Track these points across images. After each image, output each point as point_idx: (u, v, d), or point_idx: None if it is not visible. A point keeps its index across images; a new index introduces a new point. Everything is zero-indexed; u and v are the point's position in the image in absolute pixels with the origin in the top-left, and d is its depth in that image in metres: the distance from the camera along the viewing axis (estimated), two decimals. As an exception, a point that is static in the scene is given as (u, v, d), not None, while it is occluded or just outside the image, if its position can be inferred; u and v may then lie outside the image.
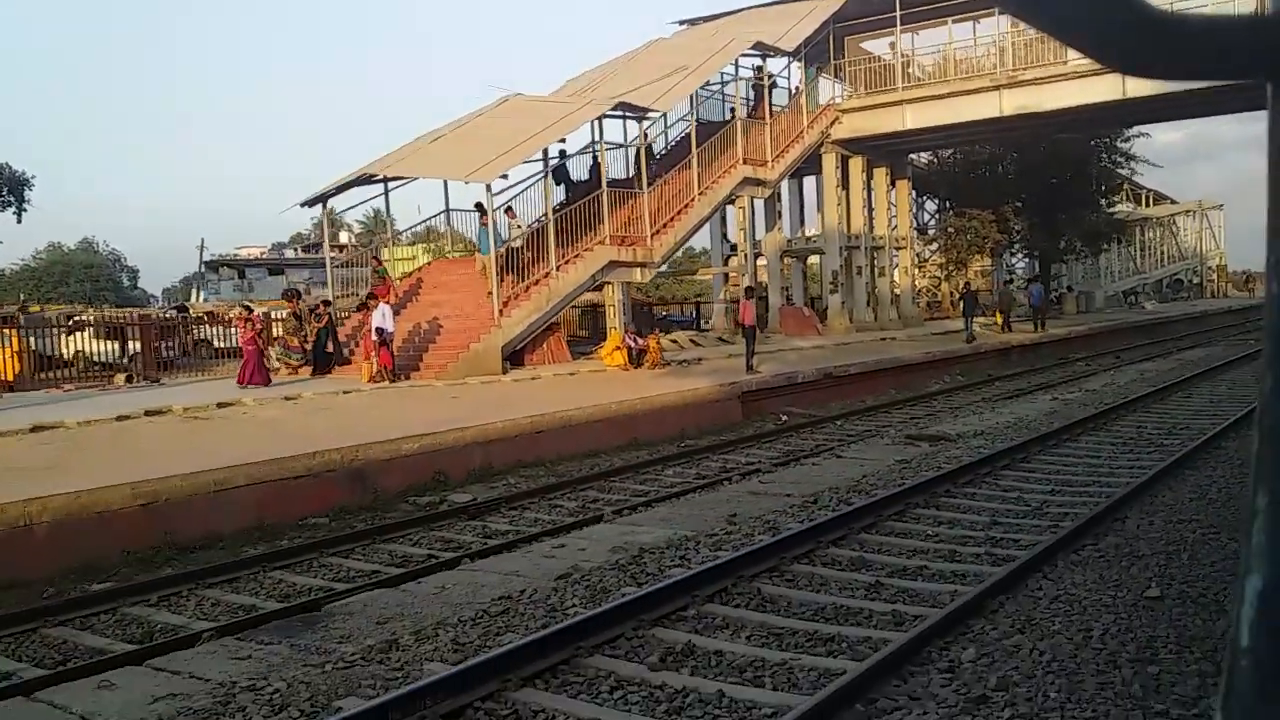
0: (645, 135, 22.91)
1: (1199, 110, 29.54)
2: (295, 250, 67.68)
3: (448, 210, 22.58)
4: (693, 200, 22.75)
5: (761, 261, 30.03)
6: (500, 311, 18.19)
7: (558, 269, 19.35)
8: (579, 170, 24.20)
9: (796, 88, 28.72)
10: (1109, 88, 23.94)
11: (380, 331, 16.31)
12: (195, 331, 24.32)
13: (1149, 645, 5.02)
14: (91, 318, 24.33)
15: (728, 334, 26.85)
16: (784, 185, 29.12)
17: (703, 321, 33.55)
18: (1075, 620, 5.43)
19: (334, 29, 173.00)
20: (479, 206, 20.27)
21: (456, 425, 11.84)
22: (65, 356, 20.26)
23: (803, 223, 33.25)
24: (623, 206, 21.40)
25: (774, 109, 26.68)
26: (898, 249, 31.80)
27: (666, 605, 6.06)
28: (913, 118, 27.30)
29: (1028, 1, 0.61)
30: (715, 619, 5.96)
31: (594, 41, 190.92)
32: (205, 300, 44.67)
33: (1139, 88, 23.38)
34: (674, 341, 23.83)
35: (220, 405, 13.59)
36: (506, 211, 20.89)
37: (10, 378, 17.42)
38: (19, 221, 49.62)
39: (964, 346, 24.48)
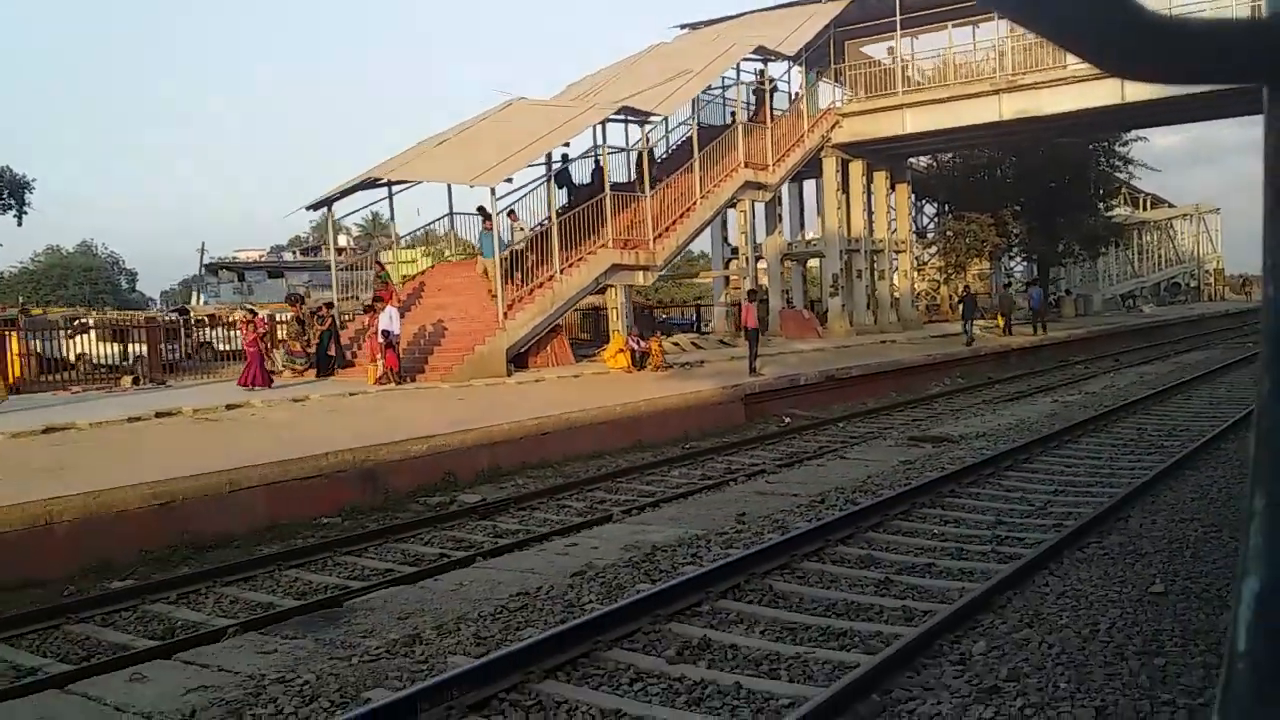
0: (647, 139, 23.06)
1: (1198, 114, 29.75)
2: (294, 253, 67.78)
3: (451, 214, 22.73)
4: (695, 204, 22.90)
5: (762, 265, 30.17)
6: (505, 314, 18.32)
7: (561, 272, 19.49)
8: (581, 174, 24.38)
9: (797, 92, 28.89)
10: (1108, 92, 24.12)
11: (386, 334, 16.43)
12: (197, 334, 24.43)
13: (1155, 639, 5.16)
14: (94, 320, 24.48)
15: (729, 337, 27.02)
16: (784, 189, 29.28)
17: (703, 324, 33.71)
18: (1082, 615, 5.56)
19: (333, 29, 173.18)
20: (481, 210, 20.41)
21: (464, 427, 11.97)
22: (68, 359, 20.38)
23: (803, 226, 33.42)
24: (625, 210, 21.55)
25: (775, 113, 26.84)
26: (897, 252, 31.96)
27: (681, 601, 6.19)
28: (913, 122, 27.47)
29: (1027, 6, 0.62)
30: (729, 614, 6.09)
31: (593, 42, 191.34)
32: (206, 303, 44.80)
33: (1138, 92, 23.56)
34: (676, 344, 23.97)
35: (229, 407, 13.70)
36: (509, 215, 21.04)
37: (12, 380, 17.52)
38: (19, 224, 49.70)
39: (964, 349, 24.63)
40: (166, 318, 28.21)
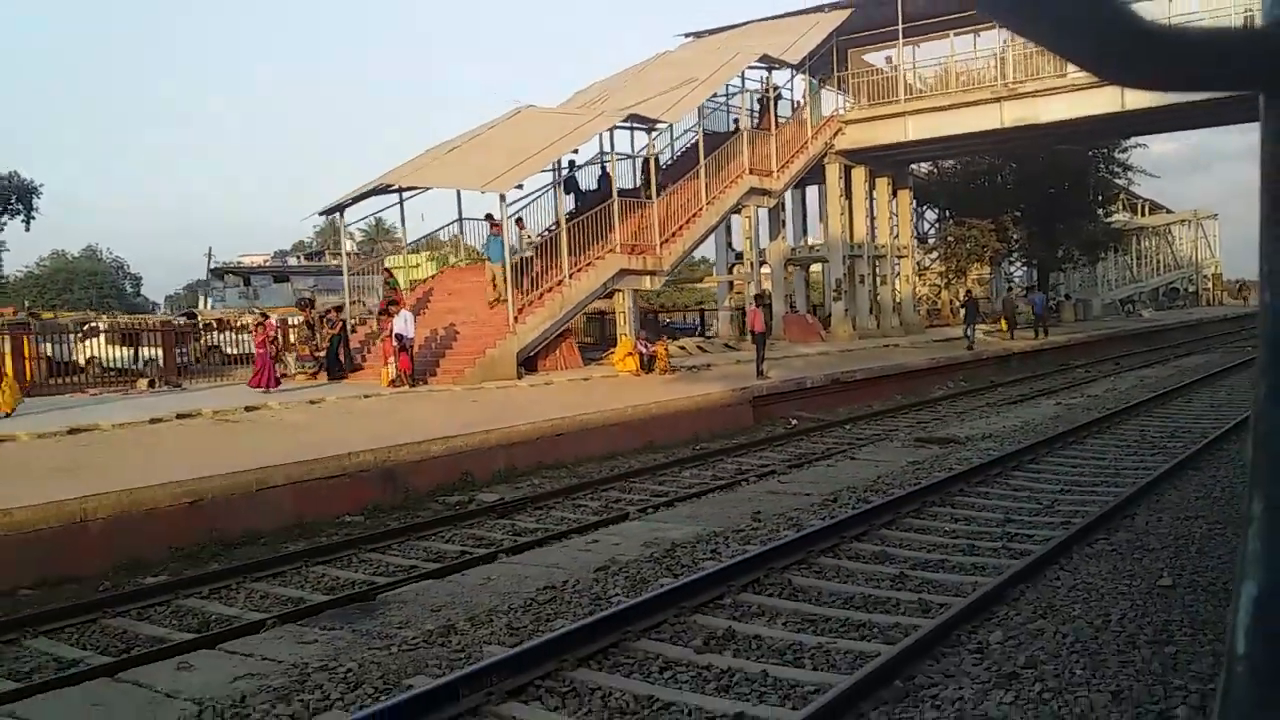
0: (655, 146, 23.31)
1: (1198, 122, 30.02)
2: (298, 258, 68.05)
3: (461, 219, 22.96)
4: (701, 210, 23.15)
5: (765, 270, 30.40)
6: (515, 318, 18.54)
7: (570, 277, 19.71)
8: (587, 180, 24.63)
9: (799, 100, 29.15)
10: (1107, 100, 24.37)
11: (400, 337, 16.64)
12: (206, 338, 24.61)
13: (1164, 629, 5.37)
14: (106, 324, 24.69)
15: (733, 340, 27.25)
16: (787, 195, 29.53)
17: (706, 329, 33.94)
18: (1094, 606, 5.77)
19: (333, 29, 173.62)
20: (490, 217, 20.66)
21: (481, 428, 12.19)
22: (79, 362, 20.57)
23: (805, 232, 33.67)
24: (632, 216, 21.79)
25: (779, 120, 27.10)
26: (899, 258, 32.21)
27: (704, 594, 6.39)
28: (915, 129, 27.74)
29: (1026, 15, 0.62)
30: (751, 607, 6.29)
31: (593, 41, 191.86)
32: (213, 307, 45.01)
33: (1138, 100, 23.82)
34: (682, 348, 24.21)
35: (248, 409, 13.90)
36: (516, 223, 21.30)
37: (25, 384, 17.69)
38: (27, 229, 49.98)
39: (966, 353, 24.87)
40: (176, 322, 28.42)
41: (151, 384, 19.13)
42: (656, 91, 22.78)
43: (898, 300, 32.30)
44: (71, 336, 21.33)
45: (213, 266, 55.95)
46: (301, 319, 21.57)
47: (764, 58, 25.87)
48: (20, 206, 48.04)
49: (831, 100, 29.92)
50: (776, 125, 26.57)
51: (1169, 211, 62.94)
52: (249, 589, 8.01)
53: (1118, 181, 40.18)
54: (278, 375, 17.69)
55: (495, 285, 19.44)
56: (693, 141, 25.98)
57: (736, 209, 25.29)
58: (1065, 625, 5.48)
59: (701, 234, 23.83)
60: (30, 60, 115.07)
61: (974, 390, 20.76)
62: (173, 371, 19.94)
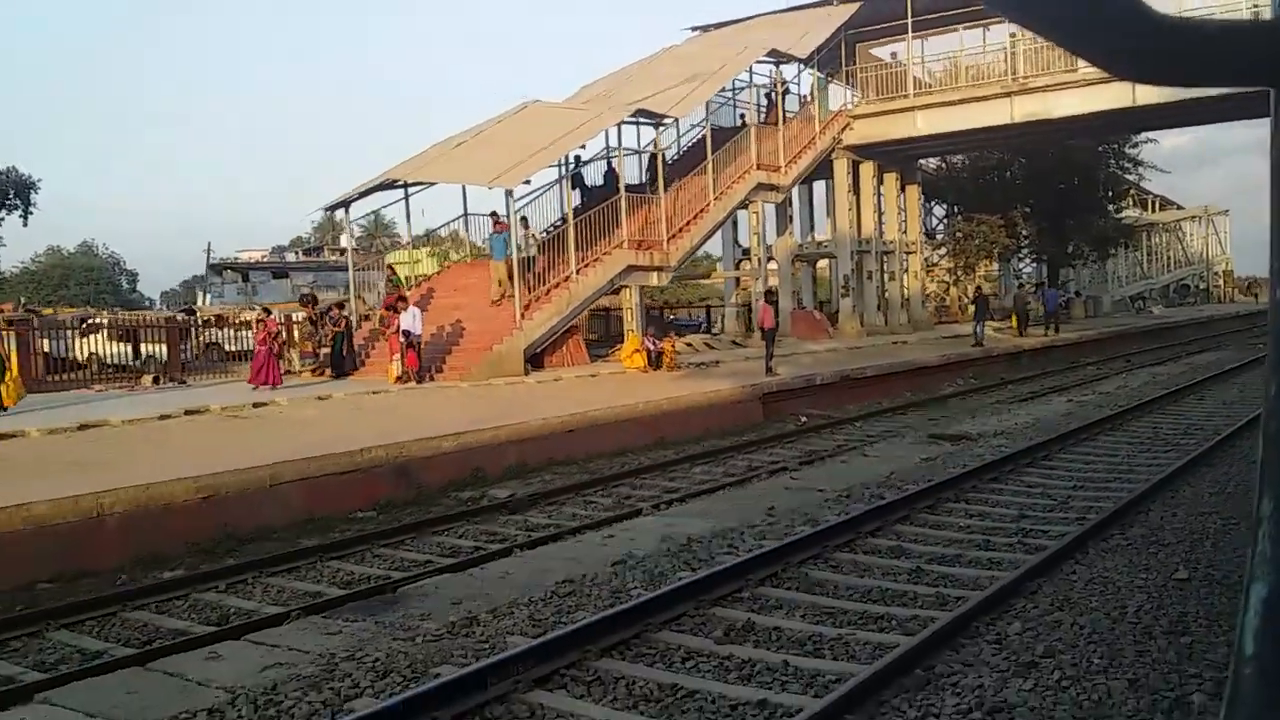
0: (661, 141, 23.32)
1: (1208, 117, 29.95)
2: (296, 254, 68.19)
3: (466, 215, 23.01)
4: (708, 205, 23.17)
5: (772, 266, 30.41)
6: (521, 314, 18.58)
7: (578, 273, 19.75)
8: (593, 176, 24.68)
9: (807, 95, 29.13)
10: (1118, 95, 24.33)
11: (408, 334, 16.69)
12: (205, 334, 24.60)
13: (1180, 620, 5.40)
14: (108, 320, 24.77)
15: (740, 337, 27.27)
16: (795, 190, 29.52)
17: (712, 325, 33.96)
18: (1110, 599, 5.80)
19: (332, 27, 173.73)
20: (495, 214, 20.72)
21: (491, 424, 12.23)
22: (79, 359, 20.61)
23: (812, 228, 33.65)
24: (638, 211, 21.81)
25: (787, 115, 27.09)
26: (908, 254, 32.18)
27: (722, 588, 6.43)
28: (924, 123, 27.71)
29: (1036, 13, 0.62)
30: (769, 600, 6.33)
31: (594, 41, 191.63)
32: (211, 304, 45.14)
33: (1148, 95, 23.79)
34: (689, 344, 24.23)
35: (256, 405, 13.97)
36: (521, 221, 21.33)
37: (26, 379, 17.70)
38: (25, 224, 50.15)
39: (975, 350, 24.85)
40: (177, 318, 28.47)
41: (156, 380, 19.20)
42: (664, 86, 22.78)
43: (906, 297, 32.28)
44: (71, 332, 21.40)
45: (212, 262, 56.08)
46: (304, 315, 21.64)
47: (772, 52, 25.86)
48: (18, 202, 48.18)
49: (839, 95, 29.91)
50: (784, 120, 26.56)
51: (1179, 207, 62.79)
52: (265, 583, 8.06)
53: (1128, 177, 40.09)
54: (281, 372, 17.75)
55: (500, 283, 19.48)
56: (699, 137, 26.01)
57: (744, 205, 25.30)
58: (1082, 617, 5.51)
59: (709, 229, 23.84)
60: (29, 60, 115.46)
61: (984, 387, 20.76)
62: (177, 368, 20.00)
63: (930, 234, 41.88)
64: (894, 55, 30.20)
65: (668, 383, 17.21)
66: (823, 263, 34.33)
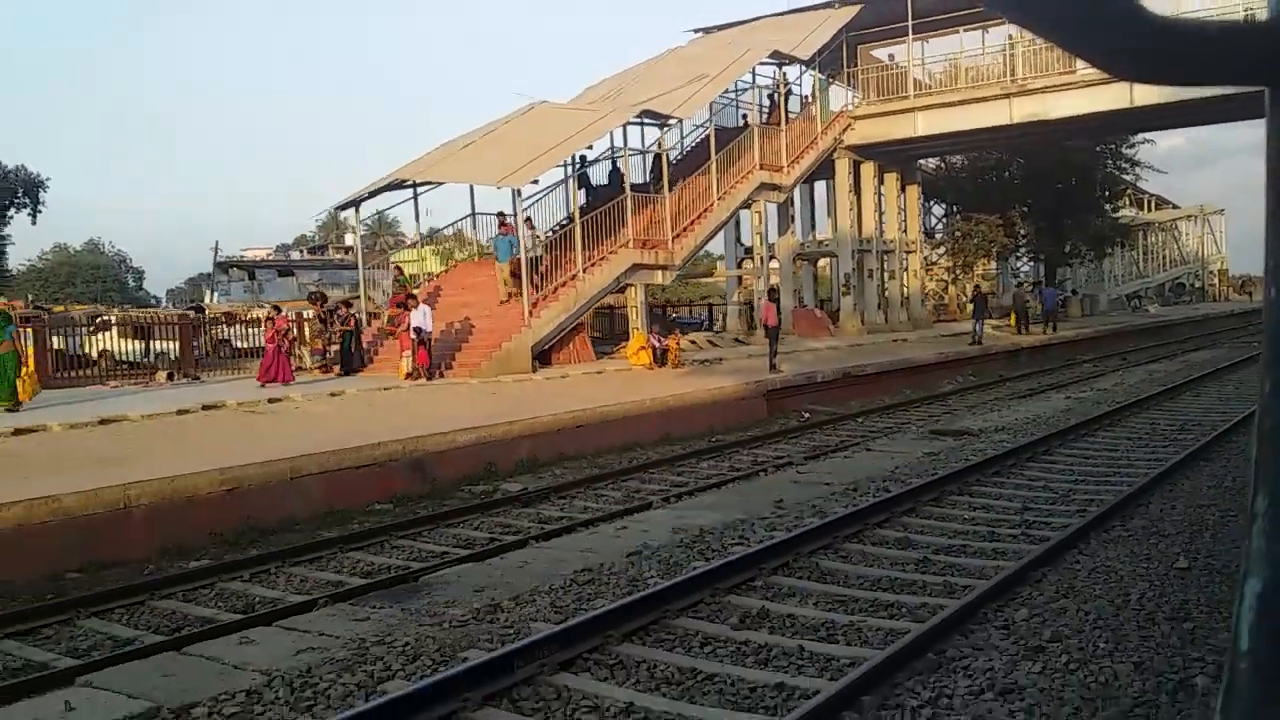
0: (665, 141, 23.51)
1: (1206, 118, 30.16)
2: (301, 252, 68.45)
3: (474, 214, 23.19)
4: (712, 205, 23.36)
5: (774, 264, 30.62)
6: (529, 312, 18.77)
7: (584, 271, 19.94)
8: (597, 176, 24.87)
9: (808, 96, 29.34)
10: (1116, 96, 24.55)
11: (419, 331, 16.88)
12: (215, 332, 24.77)
13: (1182, 607, 5.61)
14: (118, 317, 24.95)
15: (742, 335, 27.47)
16: (796, 190, 29.72)
17: (714, 323, 34.16)
18: (1114, 587, 6.02)
19: (332, 27, 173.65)
20: (500, 215, 20.92)
21: (503, 420, 12.43)
22: (90, 355, 20.79)
23: (814, 227, 33.86)
24: (643, 211, 21.99)
25: (789, 116, 27.29)
26: (908, 253, 32.40)
27: (735, 576, 6.64)
28: (924, 124, 27.92)
29: (1036, 14, 0.62)
30: (782, 588, 6.54)
31: (594, 40, 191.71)
32: (218, 301, 45.32)
33: (1146, 96, 24.00)
34: (693, 342, 24.44)
35: (271, 401, 14.15)
36: (526, 222, 21.52)
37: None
38: (34, 223, 50.26)
39: (974, 348, 25.07)
40: (187, 315, 28.63)
41: (170, 376, 19.38)
42: (669, 87, 22.97)
43: (905, 295, 32.50)
44: (82, 330, 21.57)
45: (218, 260, 56.27)
46: (314, 313, 21.81)
47: (775, 54, 26.06)
48: (27, 200, 48.33)
49: (841, 96, 30.12)
50: (787, 121, 26.76)
51: (1175, 207, 63.07)
52: (288, 573, 8.26)
53: (1125, 177, 40.33)
54: (293, 369, 17.93)
55: (505, 283, 19.68)
56: (702, 137, 26.18)
57: (747, 204, 25.50)
58: (1087, 604, 5.72)
59: (712, 229, 24.04)
60: (29, 60, 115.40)
61: (983, 385, 20.98)
62: (191, 364, 20.19)
63: (929, 233, 42.11)
64: (891, 57, 30.44)
65: (673, 379, 17.42)
66: (823, 261, 34.56)
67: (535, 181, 19.30)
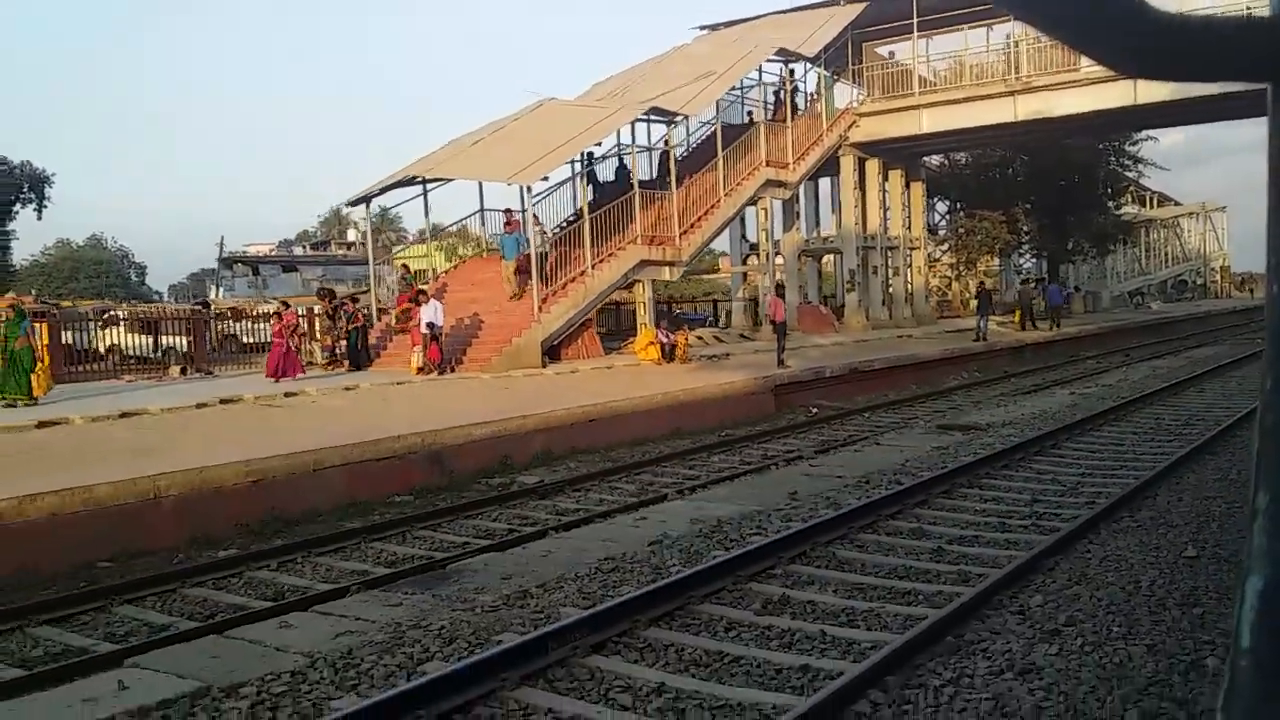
0: (672, 138, 23.70)
1: (1209, 116, 30.32)
2: (304, 247, 68.67)
3: (482, 210, 23.38)
4: (719, 201, 23.55)
5: (779, 261, 30.80)
6: (539, 308, 18.96)
7: (593, 267, 20.12)
8: (604, 172, 25.05)
9: (813, 93, 29.49)
10: (1121, 94, 24.72)
11: (431, 325, 17.07)
12: (221, 327, 24.93)
13: (1191, 593, 5.80)
14: (128, 312, 25.15)
15: (747, 330, 27.67)
16: (801, 186, 29.90)
17: (718, 320, 34.33)
18: (1125, 574, 6.20)
19: (332, 27, 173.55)
20: (507, 212, 21.12)
21: (517, 414, 12.62)
22: (99, 350, 20.97)
23: (818, 223, 34.04)
24: (651, 207, 22.17)
25: (795, 112, 27.44)
26: (912, 249, 32.59)
27: (755, 565, 6.82)
28: (929, 122, 28.09)
29: (1041, 11, 0.63)
30: (801, 576, 6.72)
31: (594, 39, 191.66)
32: (223, 296, 45.52)
33: (1150, 94, 24.18)
34: (699, 338, 24.64)
35: (287, 395, 14.35)
36: (533, 219, 21.70)
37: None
38: (39, 218, 50.40)
39: (979, 344, 25.26)
40: (193, 310, 28.80)
41: (183, 371, 19.58)
42: (675, 85, 23.14)
43: (910, 291, 32.70)
44: (92, 324, 21.76)
45: (221, 256, 56.49)
46: (322, 309, 22.00)
47: (781, 51, 26.22)
48: (33, 195, 48.51)
49: (845, 93, 30.27)
50: (793, 118, 26.92)
51: (1177, 204, 63.22)
52: (314, 562, 8.46)
53: (1128, 174, 40.46)
54: (303, 364, 18.10)
55: (508, 281, 19.87)
56: (708, 134, 26.35)
57: (753, 201, 25.68)
58: (1099, 591, 5.91)
59: (719, 225, 24.23)
60: (29, 60, 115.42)
61: (988, 380, 21.16)
62: (204, 359, 20.39)
63: (932, 230, 42.27)
64: (890, 54, 30.60)
65: (682, 375, 17.60)
66: (827, 258, 34.71)
67: (545, 179, 19.46)
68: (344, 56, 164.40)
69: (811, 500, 8.99)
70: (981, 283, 31.75)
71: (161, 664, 5.45)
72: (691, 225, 22.73)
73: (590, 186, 23.85)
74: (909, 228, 32.43)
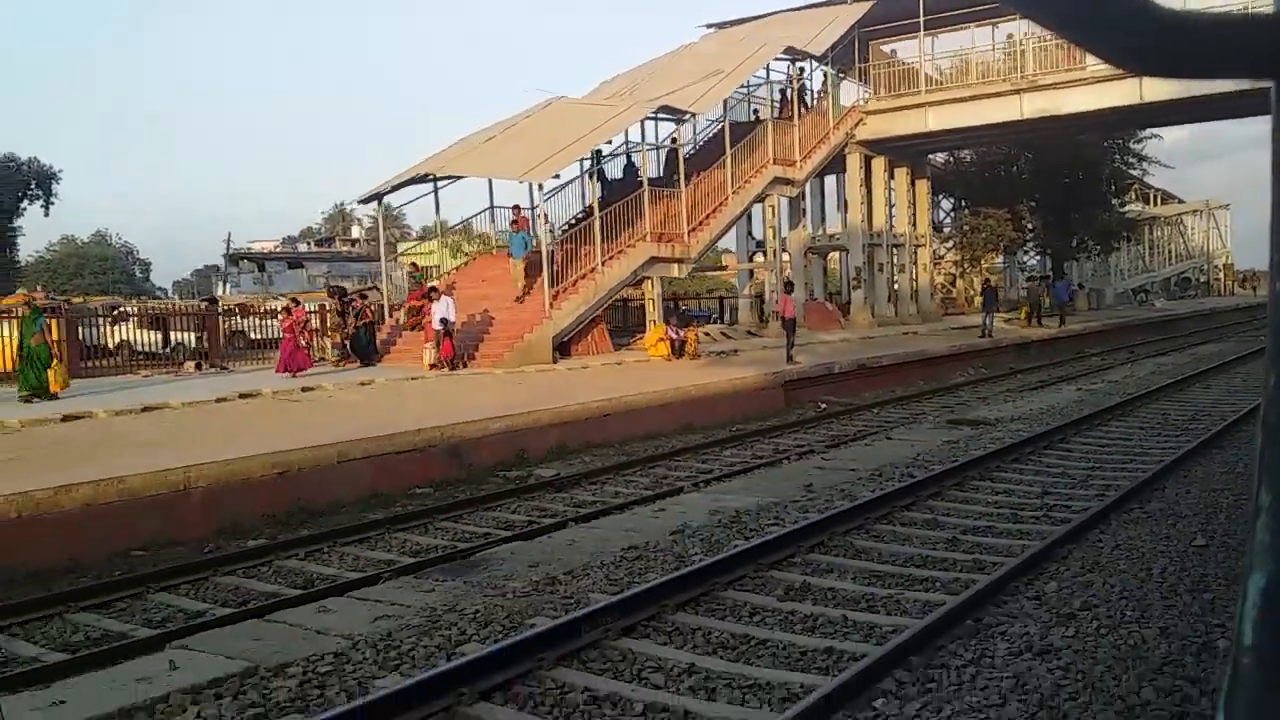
0: (680, 136, 23.87)
1: (1215, 113, 30.41)
2: (308, 244, 68.90)
3: (492, 208, 23.57)
4: (726, 199, 23.72)
5: (786, 258, 30.97)
6: (550, 304, 19.15)
7: (603, 264, 20.30)
8: (612, 170, 25.25)
9: (819, 91, 29.65)
10: (1126, 92, 24.86)
11: (445, 322, 17.27)
12: (229, 323, 25.07)
13: (1201, 580, 5.99)
14: (135, 308, 25.35)
15: (754, 327, 27.85)
16: (807, 184, 30.07)
17: (724, 316, 34.53)
18: (1137, 562, 6.39)
19: (332, 27, 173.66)
20: (517, 208, 21.30)
21: (531, 409, 12.81)
22: (109, 346, 21.16)
23: (824, 220, 34.21)
24: (659, 204, 22.35)
25: (802, 110, 27.61)
26: (917, 246, 32.76)
27: (775, 554, 7.02)
28: (935, 120, 28.24)
29: (1046, 8, 0.62)
30: (820, 565, 6.92)
31: (594, 39, 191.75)
32: (229, 293, 45.74)
33: (1156, 91, 24.32)
34: (707, 334, 24.83)
35: (305, 389, 14.55)
36: (541, 217, 21.90)
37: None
38: (46, 214, 50.64)
39: (985, 340, 25.42)
40: (199, 306, 28.97)
41: (198, 366, 19.81)
42: (684, 83, 23.31)
43: (915, 288, 32.87)
44: (102, 320, 21.97)
45: (227, 252, 56.74)
46: (332, 305, 22.20)
47: (788, 49, 26.39)
48: (39, 192, 48.75)
49: (851, 91, 30.44)
50: (800, 116, 27.09)
51: (1181, 201, 63.33)
52: (340, 552, 8.64)
53: (1132, 172, 40.60)
54: (313, 359, 18.31)
55: (516, 280, 20.07)
56: (714, 132, 26.53)
57: (760, 198, 25.85)
58: (1112, 578, 6.10)
59: (727, 222, 24.41)
60: (29, 60, 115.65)
61: (995, 376, 21.33)
62: (218, 355, 20.61)
63: (937, 227, 42.41)
64: (893, 52, 30.75)
65: (692, 370, 17.79)
66: (833, 255, 34.90)
67: (557, 176, 19.66)
68: (344, 56, 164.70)
69: (826, 492, 9.18)
70: (987, 280, 31.91)
71: (207, 646, 5.64)
72: (700, 223, 22.92)
73: (599, 184, 24.04)
74: (914, 225, 32.59)
